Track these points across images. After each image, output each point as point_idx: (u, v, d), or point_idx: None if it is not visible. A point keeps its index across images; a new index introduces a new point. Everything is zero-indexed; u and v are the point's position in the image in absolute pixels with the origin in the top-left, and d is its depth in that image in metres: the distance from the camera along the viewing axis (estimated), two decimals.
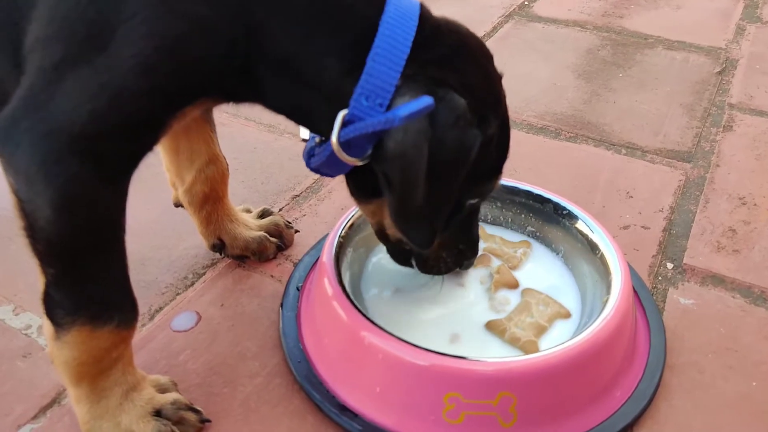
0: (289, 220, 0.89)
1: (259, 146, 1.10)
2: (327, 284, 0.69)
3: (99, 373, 0.57)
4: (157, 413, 0.59)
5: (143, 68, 0.49)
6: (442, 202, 0.55)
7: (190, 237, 0.87)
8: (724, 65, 1.37)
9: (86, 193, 0.50)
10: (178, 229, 0.90)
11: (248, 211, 0.88)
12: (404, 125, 0.49)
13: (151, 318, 0.76)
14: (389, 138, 0.50)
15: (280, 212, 0.94)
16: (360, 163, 0.53)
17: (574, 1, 1.69)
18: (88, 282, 0.54)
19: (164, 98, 0.51)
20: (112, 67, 0.49)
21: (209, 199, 0.78)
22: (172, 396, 0.61)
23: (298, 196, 0.98)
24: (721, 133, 1.14)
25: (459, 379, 0.61)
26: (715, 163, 1.05)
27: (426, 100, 0.48)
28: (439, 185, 0.53)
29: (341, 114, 0.51)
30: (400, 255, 0.69)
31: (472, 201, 0.62)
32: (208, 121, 0.74)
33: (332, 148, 0.52)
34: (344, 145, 0.52)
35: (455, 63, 0.55)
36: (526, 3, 1.67)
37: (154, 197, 0.95)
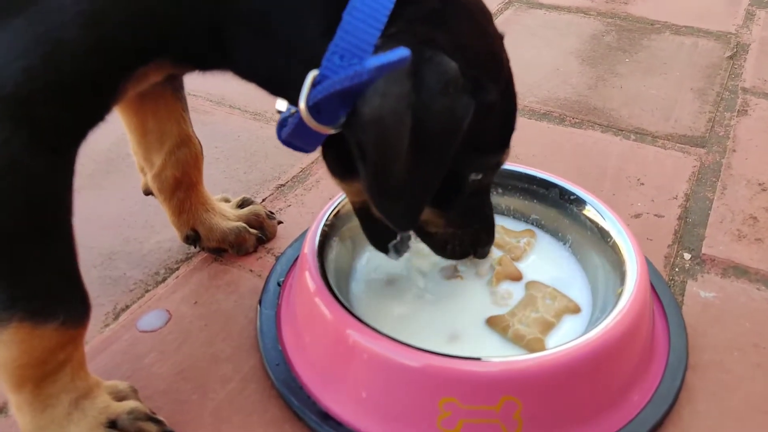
0: (273, 211, 0.82)
1: (243, 134, 1.03)
2: (308, 278, 0.62)
3: (43, 377, 0.50)
4: (112, 424, 0.52)
5: (87, 18, 0.42)
6: (428, 178, 0.48)
7: (164, 230, 0.80)
8: (735, 50, 1.30)
9: (21, 164, 0.43)
10: (151, 221, 0.83)
11: (227, 200, 0.81)
12: (383, 89, 0.42)
13: (116, 317, 0.69)
14: (364, 102, 0.43)
15: (263, 203, 0.87)
16: (332, 131, 0.46)
17: None
18: (27, 271, 0.46)
19: (112, 55, 0.45)
20: (49, 17, 0.42)
21: (181, 185, 0.71)
22: (130, 404, 0.54)
23: (283, 185, 0.91)
24: (736, 117, 1.06)
25: (456, 382, 0.53)
26: (731, 148, 0.98)
27: (402, 52, 0.41)
28: (425, 159, 0.46)
29: (311, 74, 0.44)
30: (380, 237, 0.62)
31: (476, 176, 0.56)
32: (179, 99, 0.67)
33: (301, 114, 0.45)
34: (313, 109, 0.45)
35: (447, 21, 0.48)
36: None
37: (129, 187, 0.88)
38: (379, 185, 0.46)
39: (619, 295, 0.60)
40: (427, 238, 0.62)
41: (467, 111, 0.46)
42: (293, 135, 0.48)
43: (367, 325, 0.57)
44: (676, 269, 0.75)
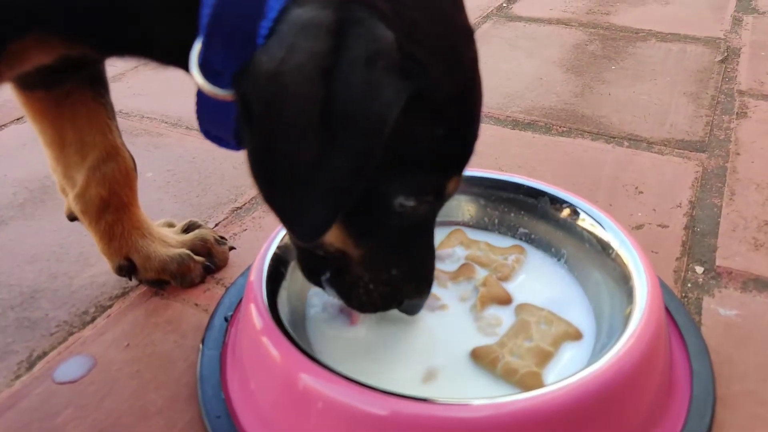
0: (224, 236, 0.72)
1: (198, 155, 0.93)
2: (254, 312, 0.51)
3: None
4: None
5: None
6: (338, 175, 0.36)
7: (100, 262, 0.69)
8: (726, 54, 1.23)
9: None
10: (87, 253, 0.72)
11: (171, 225, 0.70)
12: (292, 40, 0.33)
13: (30, 367, 0.58)
14: (263, 51, 0.34)
15: (216, 228, 0.76)
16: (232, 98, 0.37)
17: (555, 1, 1.57)
18: None
19: None
20: None
21: (109, 206, 0.61)
22: None
23: (239, 208, 0.81)
24: (735, 120, 0.98)
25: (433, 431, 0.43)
26: (735, 152, 0.89)
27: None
28: (335, 148, 0.35)
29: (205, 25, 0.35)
30: (311, 265, 0.50)
31: (405, 202, 0.43)
32: (103, 104, 0.58)
33: (194, 79, 0.36)
34: (208, 71, 0.36)
35: None
36: (504, 5, 1.54)
37: (63, 217, 0.77)
38: (265, 164, 0.36)
39: (628, 315, 0.49)
40: (334, 273, 0.48)
41: (396, 96, 0.36)
42: (200, 114, 0.39)
43: (323, 366, 0.46)
44: (689, 284, 0.66)
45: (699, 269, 0.68)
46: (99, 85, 0.57)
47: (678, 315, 0.59)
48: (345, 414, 0.44)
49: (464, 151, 0.44)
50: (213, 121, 0.39)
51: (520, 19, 1.45)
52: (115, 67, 1.22)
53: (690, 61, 1.21)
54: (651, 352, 0.47)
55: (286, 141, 0.35)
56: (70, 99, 0.56)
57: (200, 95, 0.38)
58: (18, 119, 1.03)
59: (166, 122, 1.02)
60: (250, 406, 0.50)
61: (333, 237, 0.45)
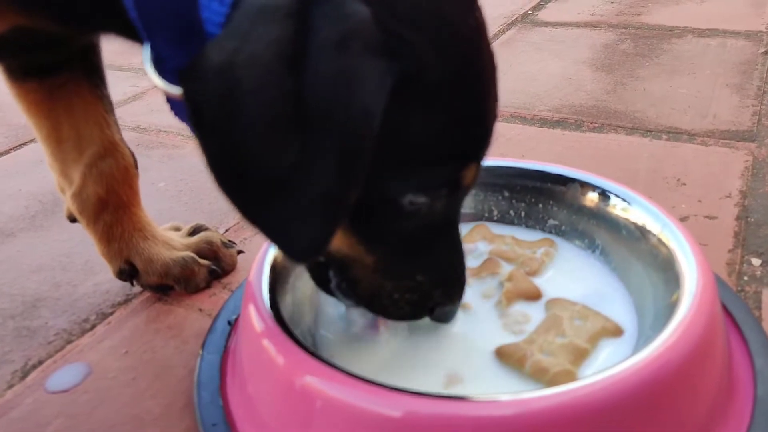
0: (234, 240, 0.68)
1: None
2: (253, 313, 0.47)
3: None
4: None
5: None
6: (331, 179, 0.31)
7: (104, 270, 0.66)
8: None
9: None
10: (92, 262, 0.69)
11: (177, 229, 0.67)
12: (246, 28, 0.29)
13: (24, 376, 0.54)
14: (214, 44, 0.30)
15: (226, 233, 0.73)
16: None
17: (583, 5, 1.51)
18: None
19: None
20: None
21: (108, 205, 0.58)
22: None
23: None
24: None
25: None
26: None
27: None
28: (320, 148, 0.30)
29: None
30: (321, 272, 0.45)
31: (416, 199, 0.38)
32: (100, 97, 0.55)
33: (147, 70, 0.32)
34: (164, 66, 0.32)
35: None
36: (529, 12, 1.50)
37: (75, 226, 0.75)
38: (227, 173, 0.31)
39: (675, 302, 0.43)
40: (347, 281, 0.43)
41: (380, 82, 0.31)
42: (174, 111, 0.35)
43: (329, 365, 0.41)
44: (745, 278, 0.58)
45: (756, 261, 0.60)
46: (95, 77, 0.55)
47: (736, 309, 0.52)
48: (353, 416, 0.39)
49: (479, 135, 0.39)
50: (185, 119, 0.35)
51: (546, 24, 1.41)
52: (136, 87, 1.22)
53: (731, 54, 1.14)
54: (706, 343, 0.40)
55: (247, 145, 0.30)
56: (65, 91, 0.53)
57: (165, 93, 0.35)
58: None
59: (182, 135, 1.00)
60: (248, 412, 0.45)
61: (340, 245, 0.40)
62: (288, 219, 0.32)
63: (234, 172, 0.31)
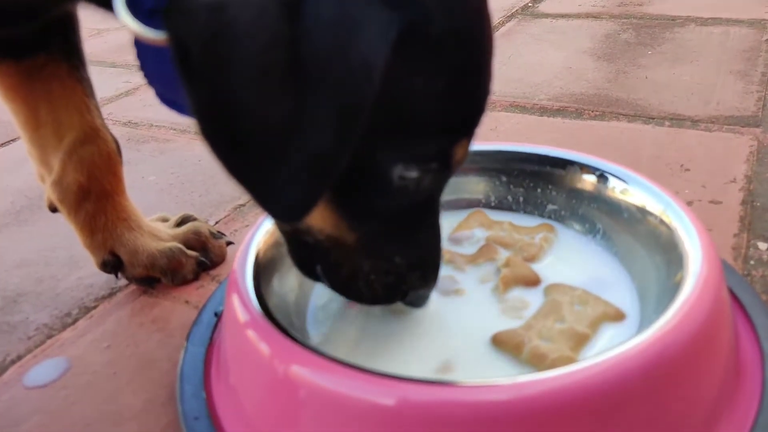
0: (223, 232, 0.66)
1: (205, 158, 0.88)
2: (236, 303, 0.45)
3: None
4: None
5: None
6: (326, 137, 0.29)
7: (89, 264, 0.63)
8: None
9: None
10: (77, 256, 0.67)
11: (165, 220, 0.65)
12: None
13: (2, 372, 0.52)
14: None
15: (217, 225, 0.71)
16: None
17: None
18: None
19: None
20: None
21: (89, 194, 0.56)
22: None
23: (242, 205, 0.75)
24: None
25: (446, 423, 0.35)
26: None
27: None
28: (317, 103, 0.28)
29: None
30: (303, 255, 0.43)
31: (406, 173, 0.36)
32: (79, 80, 0.53)
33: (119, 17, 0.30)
34: (140, 9, 0.30)
35: None
36: (529, 4, 1.48)
37: (61, 221, 0.73)
38: (217, 125, 0.29)
39: (679, 282, 0.41)
40: (324, 262, 0.41)
41: (384, 33, 0.29)
42: (144, 68, 0.33)
43: (315, 352, 0.39)
44: (751, 262, 0.56)
45: (762, 245, 0.58)
46: (74, 59, 0.53)
47: (742, 293, 0.49)
48: (341, 406, 0.36)
49: (472, 107, 0.37)
50: (158, 76, 0.33)
51: (546, 16, 1.39)
52: (129, 83, 1.20)
53: (734, 42, 1.11)
54: (711, 323, 0.38)
55: (237, 93, 0.28)
56: (44, 73, 0.51)
57: (138, 44, 0.33)
58: None
59: (174, 129, 0.98)
60: (233, 407, 0.43)
61: (322, 220, 0.38)
62: (276, 176, 0.30)
63: (222, 121, 0.29)
